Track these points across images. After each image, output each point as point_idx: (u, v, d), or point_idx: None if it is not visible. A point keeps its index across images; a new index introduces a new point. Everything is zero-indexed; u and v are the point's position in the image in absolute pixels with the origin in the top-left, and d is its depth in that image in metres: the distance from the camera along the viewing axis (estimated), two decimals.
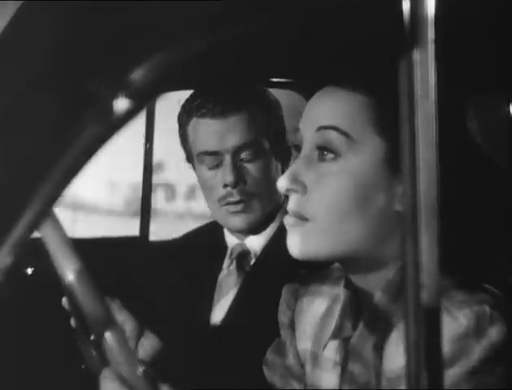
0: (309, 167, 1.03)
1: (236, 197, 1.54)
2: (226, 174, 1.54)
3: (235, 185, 1.54)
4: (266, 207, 1.57)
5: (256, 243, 1.60)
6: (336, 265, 1.15)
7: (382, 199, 1.00)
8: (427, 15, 0.63)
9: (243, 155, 1.55)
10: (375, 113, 1.01)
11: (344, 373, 1.06)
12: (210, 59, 0.63)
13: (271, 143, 1.59)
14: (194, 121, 1.58)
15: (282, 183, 1.03)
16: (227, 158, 1.54)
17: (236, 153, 1.54)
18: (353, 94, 1.02)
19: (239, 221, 1.56)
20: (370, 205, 1.00)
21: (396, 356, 0.97)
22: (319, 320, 1.14)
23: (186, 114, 1.60)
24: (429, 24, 0.63)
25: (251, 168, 1.55)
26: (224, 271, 1.62)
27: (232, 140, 1.54)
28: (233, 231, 1.61)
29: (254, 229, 1.59)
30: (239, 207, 1.55)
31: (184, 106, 1.61)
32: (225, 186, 1.55)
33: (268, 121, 1.59)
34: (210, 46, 0.62)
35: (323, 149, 1.02)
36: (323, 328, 1.13)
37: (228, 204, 1.55)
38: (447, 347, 0.89)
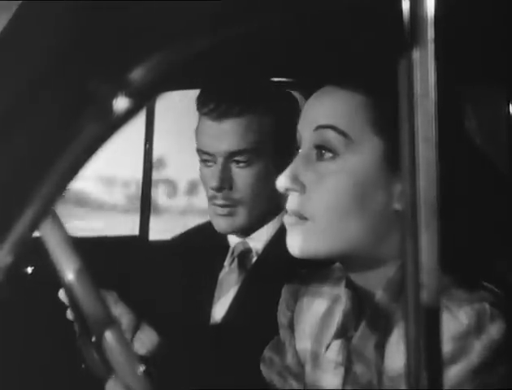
0: (307, 166, 1.03)
1: (220, 201, 1.54)
2: (213, 177, 1.54)
3: (218, 190, 1.53)
4: (253, 213, 1.55)
5: (258, 241, 1.59)
6: (337, 265, 1.15)
7: (380, 197, 1.00)
8: (426, 15, 0.63)
9: (237, 160, 1.53)
10: (373, 112, 1.01)
11: (348, 373, 1.06)
12: (210, 59, 0.63)
13: (277, 147, 1.56)
14: (201, 117, 1.57)
15: (281, 182, 1.03)
16: (219, 161, 1.53)
17: (228, 157, 1.53)
18: (352, 94, 1.02)
19: (223, 223, 1.55)
20: (369, 204, 1.00)
21: (397, 354, 0.97)
22: (319, 320, 1.14)
23: (197, 108, 1.59)
24: (429, 24, 0.63)
25: (243, 174, 1.53)
26: (226, 269, 1.61)
27: (226, 144, 1.52)
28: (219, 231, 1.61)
29: (240, 232, 1.58)
30: (225, 210, 1.54)
31: (196, 99, 1.60)
32: (211, 188, 1.55)
33: (276, 125, 1.56)
34: (210, 46, 0.62)
35: (321, 148, 1.02)
36: (323, 328, 1.13)
37: (215, 205, 1.55)
38: (448, 345, 0.89)
